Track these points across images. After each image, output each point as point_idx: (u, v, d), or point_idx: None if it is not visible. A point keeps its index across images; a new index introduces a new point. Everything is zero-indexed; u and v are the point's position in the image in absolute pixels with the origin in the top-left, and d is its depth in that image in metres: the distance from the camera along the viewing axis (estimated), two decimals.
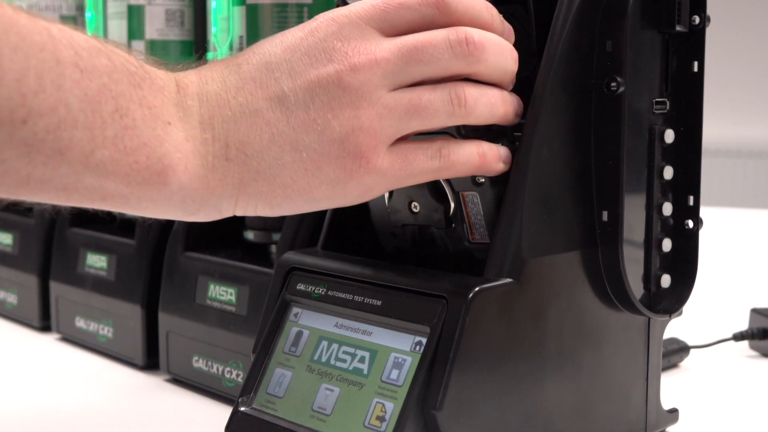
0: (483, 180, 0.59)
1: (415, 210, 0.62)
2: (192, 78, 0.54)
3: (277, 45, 0.55)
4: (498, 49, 0.56)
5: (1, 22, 0.45)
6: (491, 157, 0.57)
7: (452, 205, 0.60)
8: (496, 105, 0.56)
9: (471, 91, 0.55)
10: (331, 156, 0.53)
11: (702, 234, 0.64)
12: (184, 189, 0.52)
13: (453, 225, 0.61)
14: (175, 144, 0.51)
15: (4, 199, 0.51)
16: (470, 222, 0.60)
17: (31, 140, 0.46)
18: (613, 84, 0.59)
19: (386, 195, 0.63)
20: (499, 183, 0.59)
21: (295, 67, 0.54)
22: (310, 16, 0.73)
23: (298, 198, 0.54)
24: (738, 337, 0.93)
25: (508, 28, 0.59)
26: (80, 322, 0.94)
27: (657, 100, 0.62)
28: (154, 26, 0.90)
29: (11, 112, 0.45)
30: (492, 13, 0.57)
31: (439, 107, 0.54)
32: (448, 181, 0.60)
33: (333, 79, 0.53)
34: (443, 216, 0.61)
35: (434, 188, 0.61)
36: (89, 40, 0.50)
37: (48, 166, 0.48)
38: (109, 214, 0.96)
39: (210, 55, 0.79)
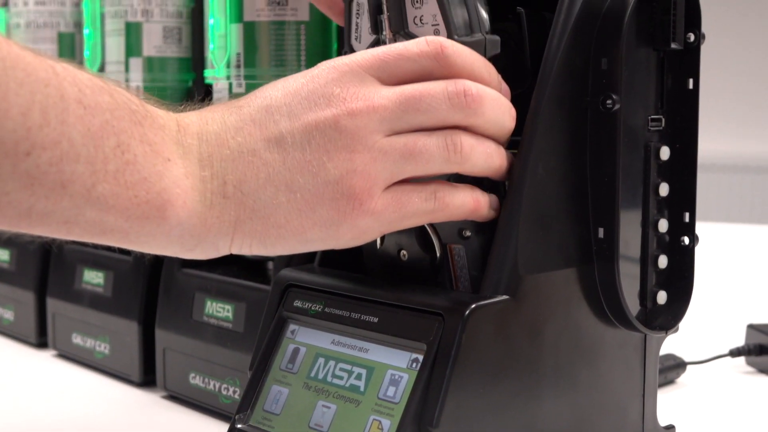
0: (469, 234, 0.59)
1: (403, 258, 0.62)
2: (192, 118, 0.55)
3: (278, 89, 0.56)
4: (496, 104, 0.57)
5: (9, 58, 0.46)
6: (484, 203, 0.58)
7: (438, 255, 0.61)
8: (492, 156, 0.57)
9: (468, 140, 0.56)
10: (326, 197, 0.54)
11: (698, 250, 0.65)
12: (182, 224, 0.52)
13: (438, 275, 0.61)
14: (174, 180, 0.52)
15: (5, 231, 0.51)
16: (455, 274, 0.61)
17: (34, 173, 0.47)
18: (609, 101, 0.60)
19: (378, 240, 0.63)
20: (483, 237, 0.59)
21: (294, 110, 0.54)
22: (307, 34, 0.74)
23: (291, 238, 0.55)
24: (734, 353, 0.94)
25: (506, 88, 0.59)
26: (77, 339, 0.94)
27: (652, 117, 0.62)
28: (152, 43, 0.90)
29: (15, 144, 0.46)
30: (490, 71, 0.58)
31: (434, 152, 0.55)
32: (436, 232, 0.60)
33: (330, 122, 0.54)
34: (430, 265, 0.61)
35: (422, 238, 0.61)
36: (92, 78, 0.50)
37: (50, 199, 0.48)
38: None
39: (208, 72, 0.79)
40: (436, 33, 0.58)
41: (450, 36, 0.58)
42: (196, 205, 0.53)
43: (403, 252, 0.62)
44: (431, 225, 0.60)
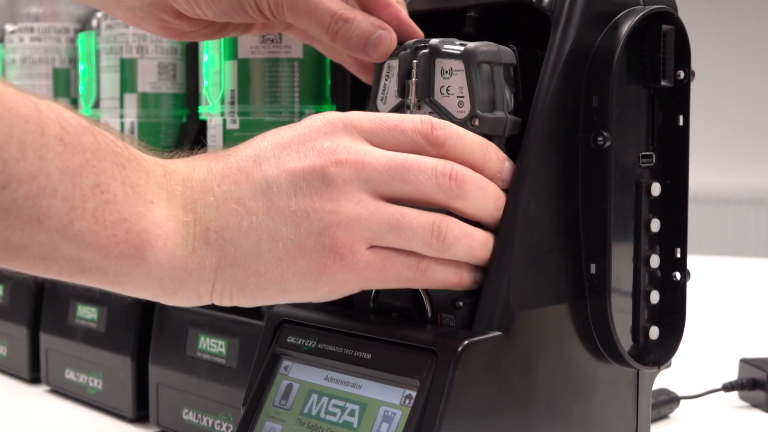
0: (461, 305, 0.59)
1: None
2: (179, 165, 0.55)
3: (268, 140, 0.56)
4: (481, 191, 0.57)
5: None
6: (467, 279, 0.58)
7: (428, 323, 0.61)
8: (475, 250, 0.57)
9: (455, 230, 0.56)
10: (307, 248, 0.54)
11: (690, 283, 0.65)
12: (162, 266, 0.52)
13: None
14: (155, 221, 0.52)
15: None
16: None
17: (9, 205, 0.47)
18: (600, 138, 0.60)
19: (371, 303, 0.63)
20: (474, 308, 0.59)
21: (283, 159, 0.55)
22: (301, 71, 0.74)
23: (270, 287, 0.55)
24: (728, 387, 0.94)
25: (509, 165, 0.59)
26: (70, 374, 0.94)
27: (643, 153, 0.63)
28: (147, 79, 0.90)
29: None
30: (486, 151, 0.58)
31: (418, 232, 0.55)
32: (429, 300, 0.60)
33: (317, 171, 0.54)
34: None
35: (416, 302, 0.61)
36: (77, 118, 0.51)
37: (26, 232, 0.48)
38: None
39: (202, 108, 0.79)
40: (460, 105, 0.59)
41: (473, 110, 0.59)
42: (177, 248, 0.52)
43: (395, 314, 0.62)
44: (426, 292, 0.60)
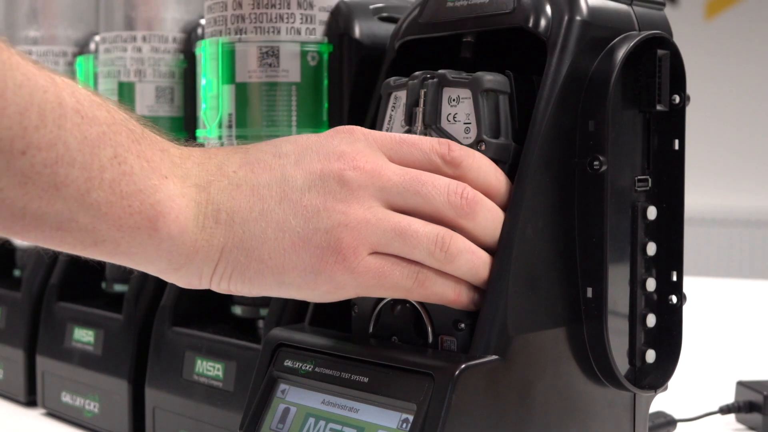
0: (463, 326, 0.59)
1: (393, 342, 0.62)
2: (195, 150, 0.56)
3: (290, 142, 0.57)
4: (490, 214, 0.58)
5: (9, 62, 0.48)
6: (466, 298, 0.58)
7: (429, 342, 0.61)
8: (477, 267, 0.58)
9: (459, 243, 0.57)
10: (312, 243, 0.54)
11: (686, 305, 0.65)
12: (172, 239, 0.53)
13: None
14: (169, 195, 0.53)
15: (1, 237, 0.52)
16: None
17: (29, 172, 0.48)
18: (596, 163, 0.60)
19: (371, 326, 0.64)
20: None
21: (303, 159, 0.56)
22: (299, 95, 0.74)
23: (269, 276, 0.55)
24: (724, 410, 0.93)
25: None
26: (66, 397, 0.94)
27: (639, 177, 0.63)
28: (145, 103, 0.91)
29: (11, 142, 0.47)
30: (498, 177, 0.59)
31: (422, 241, 0.56)
32: (431, 321, 0.61)
33: (335, 173, 0.55)
34: None
35: (417, 324, 0.61)
36: (91, 94, 0.52)
37: (43, 200, 0.49)
38: (97, 286, 0.96)
39: (200, 132, 0.80)
40: (467, 131, 0.61)
41: (479, 135, 0.60)
42: (188, 223, 0.53)
43: (395, 338, 0.62)
44: (427, 312, 0.61)
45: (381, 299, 0.63)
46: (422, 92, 0.62)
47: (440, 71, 0.62)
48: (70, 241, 0.52)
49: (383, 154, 0.57)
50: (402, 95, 0.64)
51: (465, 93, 0.61)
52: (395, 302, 0.62)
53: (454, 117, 0.61)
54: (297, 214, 0.55)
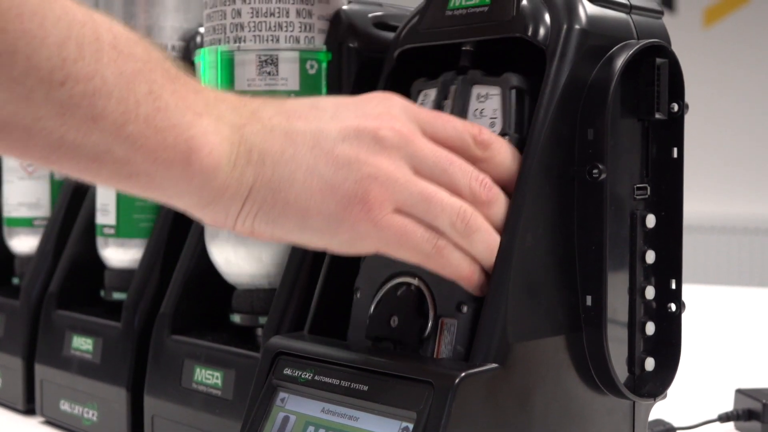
0: (466, 309, 0.60)
1: (393, 324, 0.63)
2: (230, 95, 0.57)
3: (328, 100, 0.59)
4: (503, 209, 0.59)
5: None
6: (477, 278, 0.59)
7: (429, 326, 0.61)
8: (492, 249, 0.59)
9: (479, 221, 0.58)
10: (339, 190, 0.55)
11: (685, 313, 0.65)
12: (205, 174, 0.54)
13: (420, 349, 0.61)
14: (203, 132, 0.54)
15: (39, 166, 0.52)
16: (439, 349, 0.61)
17: (67, 102, 0.49)
18: (595, 171, 0.60)
19: (372, 307, 0.64)
20: (477, 313, 0.59)
21: (339, 114, 0.57)
22: None
23: (293, 218, 0.56)
24: (723, 418, 0.93)
25: None
26: (65, 406, 0.94)
27: (638, 185, 0.63)
28: None
29: (50, 72, 0.48)
30: (515, 171, 0.60)
31: (446, 209, 0.57)
32: (434, 303, 0.61)
33: (370, 130, 0.56)
34: (417, 335, 0.61)
35: (418, 306, 0.62)
36: (128, 32, 0.53)
37: (80, 131, 0.50)
38: (96, 294, 0.96)
39: None
40: (492, 125, 0.62)
41: (503, 128, 0.62)
42: (221, 159, 0.54)
43: (394, 318, 0.62)
44: (431, 294, 0.61)
45: (385, 282, 0.63)
46: (452, 88, 0.65)
47: (471, 71, 0.64)
48: (105, 173, 0.53)
49: (418, 126, 0.58)
50: (432, 92, 0.66)
51: (494, 90, 0.63)
52: (399, 284, 0.63)
53: (480, 112, 0.63)
54: (328, 161, 0.56)
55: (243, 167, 0.55)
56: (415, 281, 0.62)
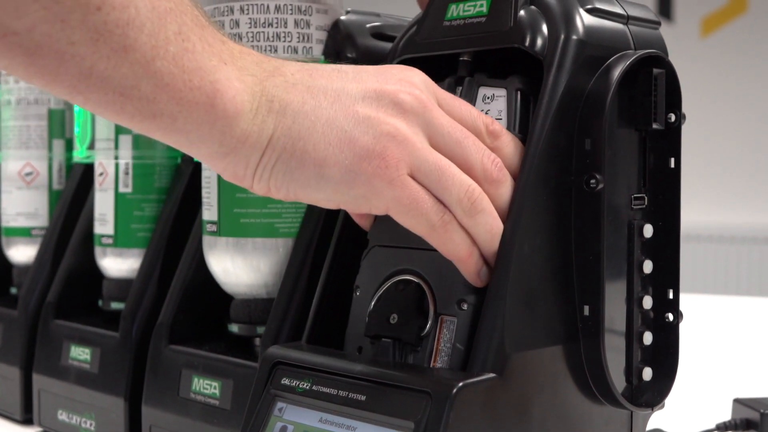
0: (466, 307, 0.60)
1: (392, 321, 0.63)
2: (254, 52, 0.58)
3: (350, 65, 0.60)
4: (509, 192, 0.60)
5: None
6: (474, 264, 0.59)
7: (429, 324, 0.61)
8: (494, 233, 0.59)
9: (485, 202, 0.58)
10: (358, 144, 0.56)
11: (682, 323, 0.65)
12: (228, 119, 0.55)
13: (420, 347, 0.61)
14: (227, 77, 0.55)
15: (65, 97, 0.54)
16: (438, 347, 0.61)
17: (101, 28, 0.50)
18: (593, 181, 0.61)
19: (372, 303, 0.64)
20: (478, 311, 0.59)
21: (361, 76, 0.58)
22: None
23: (311, 167, 0.56)
24: (721, 428, 0.93)
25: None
26: (63, 415, 0.94)
27: (635, 195, 0.63)
28: None
29: None
30: (518, 163, 0.61)
31: (456, 183, 0.57)
32: (434, 301, 0.61)
33: (391, 93, 0.57)
34: (416, 333, 0.62)
35: (418, 303, 0.62)
36: None
37: (111, 61, 0.51)
38: (94, 304, 0.96)
39: None
40: None
41: (508, 128, 0.63)
42: (244, 105, 0.55)
43: (394, 316, 0.62)
44: (431, 290, 0.61)
45: (385, 280, 0.64)
46: (458, 89, 0.65)
47: (477, 74, 0.65)
48: (130, 109, 0.54)
49: (435, 99, 0.59)
50: None
51: (500, 92, 0.64)
52: (399, 282, 0.63)
53: (486, 113, 0.64)
54: (348, 117, 0.57)
55: (264, 116, 0.56)
56: (415, 279, 0.62)
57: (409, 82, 0.59)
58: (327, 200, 0.58)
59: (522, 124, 0.63)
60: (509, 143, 0.61)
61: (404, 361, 0.62)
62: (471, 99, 0.65)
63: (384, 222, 0.64)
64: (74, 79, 0.52)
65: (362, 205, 0.58)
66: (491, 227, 0.59)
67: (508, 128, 0.63)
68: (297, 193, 0.58)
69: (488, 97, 0.64)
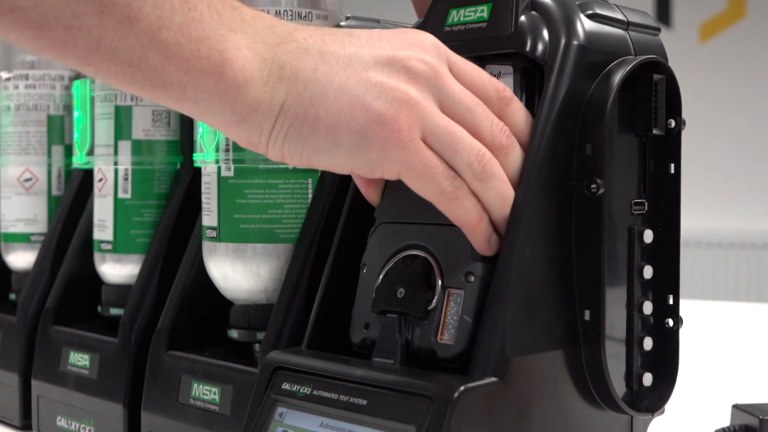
0: (473, 279, 0.60)
1: (399, 295, 0.63)
2: (267, 15, 0.58)
3: (363, 30, 0.60)
4: (518, 159, 0.60)
5: None
6: (484, 230, 0.59)
7: (435, 297, 0.61)
8: (504, 198, 0.59)
9: (495, 167, 0.59)
10: (370, 108, 0.56)
11: (682, 328, 0.65)
12: (238, 87, 0.55)
13: (426, 320, 0.61)
14: (236, 46, 0.55)
15: (74, 69, 0.55)
16: (445, 320, 0.61)
17: (105, 1, 0.51)
18: (593, 186, 0.61)
19: (379, 280, 0.64)
20: (486, 283, 0.59)
21: (373, 42, 0.58)
22: None
23: (323, 133, 0.56)
24: None
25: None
26: (62, 422, 0.93)
27: (635, 201, 0.64)
28: (141, 126, 0.91)
29: None
30: (529, 130, 0.61)
31: (466, 147, 0.58)
32: (441, 274, 0.61)
33: (402, 60, 0.57)
34: (423, 307, 0.61)
35: (425, 277, 0.62)
36: None
37: (117, 33, 0.52)
38: (93, 310, 0.96)
39: (197, 155, 0.80)
40: None
41: None
42: (254, 73, 0.55)
43: (401, 290, 0.62)
44: (438, 264, 0.61)
45: (391, 256, 0.64)
46: None
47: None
48: (140, 79, 0.54)
49: (446, 64, 0.59)
50: None
51: (507, 69, 0.64)
52: (406, 257, 0.63)
53: None
54: (360, 83, 0.57)
55: (275, 83, 0.56)
56: (422, 254, 0.62)
57: (421, 48, 0.59)
58: (341, 166, 0.59)
59: (528, 101, 0.63)
60: (518, 111, 0.61)
61: (411, 335, 0.62)
62: None
63: (391, 198, 0.65)
64: (83, 51, 0.52)
65: (375, 170, 0.58)
66: (502, 192, 0.59)
67: None
68: (311, 159, 0.58)
69: (495, 74, 0.64)
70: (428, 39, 0.60)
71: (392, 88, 0.57)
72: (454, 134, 0.58)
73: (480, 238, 0.59)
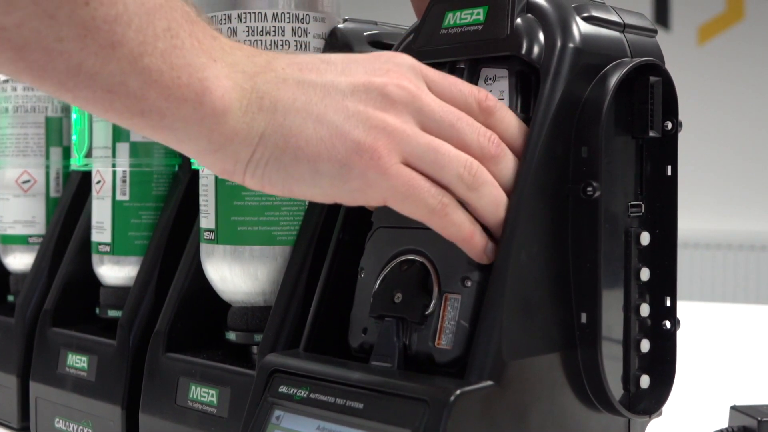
0: (470, 284, 0.60)
1: (396, 301, 0.63)
2: (245, 46, 0.59)
3: (339, 56, 0.60)
4: (510, 165, 0.60)
5: None
6: (478, 242, 0.59)
7: (433, 302, 0.61)
8: (498, 203, 0.59)
9: (485, 174, 0.58)
10: (349, 137, 0.56)
11: (679, 330, 0.65)
12: (216, 116, 0.55)
13: (424, 325, 0.61)
14: (216, 75, 0.55)
15: (53, 94, 0.54)
16: (442, 325, 0.61)
17: (89, 24, 0.50)
18: (590, 188, 0.61)
19: (376, 284, 0.64)
20: (483, 288, 0.60)
21: (349, 69, 0.58)
22: None
23: (304, 163, 0.56)
24: None
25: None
26: (60, 423, 0.93)
27: (632, 203, 0.64)
28: None
29: None
30: (522, 135, 0.61)
31: (453, 160, 0.57)
32: (438, 279, 0.61)
33: (379, 86, 0.57)
34: (420, 312, 0.62)
35: (423, 282, 0.62)
36: None
37: (99, 57, 0.51)
38: (91, 312, 0.96)
39: None
40: None
41: (510, 106, 0.63)
42: (233, 103, 0.55)
43: (398, 295, 0.62)
44: (435, 269, 0.61)
45: (388, 261, 0.64)
46: (460, 68, 0.66)
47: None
48: (119, 106, 0.54)
49: (425, 83, 0.59)
50: None
51: (502, 72, 0.64)
52: (403, 262, 0.63)
53: None
54: (338, 112, 0.57)
55: (254, 113, 0.56)
56: (419, 259, 0.62)
57: (397, 72, 0.58)
58: (323, 195, 0.59)
59: (524, 104, 0.63)
60: (505, 117, 0.61)
61: (408, 340, 0.62)
62: (473, 79, 0.65)
63: None
64: (62, 76, 0.52)
65: (358, 198, 0.58)
66: (495, 198, 0.59)
67: (510, 107, 0.63)
68: (292, 189, 0.58)
69: (490, 78, 0.64)
70: (405, 61, 0.60)
71: (369, 117, 0.57)
72: (438, 150, 0.57)
73: (475, 249, 0.59)
